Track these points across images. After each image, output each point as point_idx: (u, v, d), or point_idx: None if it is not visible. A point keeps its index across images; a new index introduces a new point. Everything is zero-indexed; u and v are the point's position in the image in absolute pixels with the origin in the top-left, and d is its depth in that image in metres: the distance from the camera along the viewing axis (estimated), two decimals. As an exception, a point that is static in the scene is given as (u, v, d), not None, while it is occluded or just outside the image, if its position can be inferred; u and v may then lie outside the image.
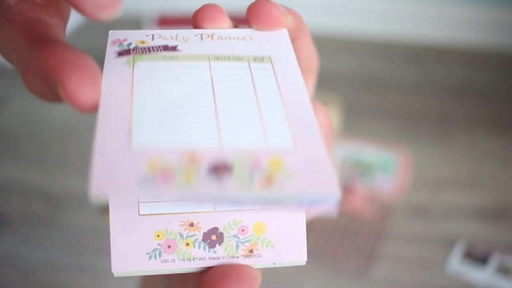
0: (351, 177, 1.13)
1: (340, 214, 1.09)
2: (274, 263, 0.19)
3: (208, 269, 0.19)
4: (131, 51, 0.20)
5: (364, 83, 1.41)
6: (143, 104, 0.18)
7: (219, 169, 0.16)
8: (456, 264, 0.99)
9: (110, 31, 0.21)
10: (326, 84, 1.41)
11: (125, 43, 0.20)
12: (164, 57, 0.20)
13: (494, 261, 0.99)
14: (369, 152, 1.15)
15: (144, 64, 0.20)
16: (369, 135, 1.26)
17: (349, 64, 1.48)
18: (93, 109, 0.17)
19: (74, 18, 1.63)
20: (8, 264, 1.00)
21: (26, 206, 1.10)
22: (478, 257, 1.00)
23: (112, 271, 0.18)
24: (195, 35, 0.21)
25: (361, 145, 1.16)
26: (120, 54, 0.20)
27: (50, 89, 0.17)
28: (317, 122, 0.23)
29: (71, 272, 0.99)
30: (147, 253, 0.18)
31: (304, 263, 0.19)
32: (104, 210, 1.09)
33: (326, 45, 1.55)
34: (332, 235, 1.05)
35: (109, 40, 0.21)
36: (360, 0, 1.56)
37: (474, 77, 1.44)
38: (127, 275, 0.18)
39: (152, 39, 0.21)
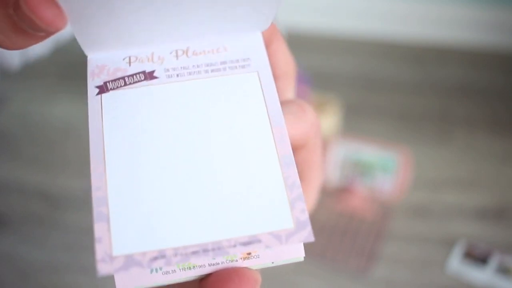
0: (351, 177, 1.13)
1: (340, 214, 1.09)
2: (272, 262, 0.19)
3: (209, 274, 0.19)
4: (109, 85, 0.20)
5: (364, 83, 1.41)
6: (118, 176, 0.19)
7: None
8: (456, 264, 0.99)
9: (89, 58, 0.21)
10: (326, 84, 1.41)
11: (104, 72, 0.21)
12: (141, 94, 0.20)
13: (494, 261, 0.99)
14: (369, 152, 1.15)
15: (119, 110, 0.20)
16: (369, 135, 1.26)
17: (349, 64, 1.48)
18: (61, 24, 0.16)
19: (70, 28, 1.62)
20: (8, 264, 1.00)
21: (26, 206, 1.10)
22: (478, 257, 1.00)
23: None
24: (170, 52, 0.21)
25: (361, 145, 1.16)
26: (100, 92, 0.20)
27: (7, 17, 0.16)
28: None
29: (71, 272, 1.00)
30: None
31: (302, 259, 0.19)
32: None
33: (326, 45, 1.55)
34: (332, 235, 1.05)
35: (88, 70, 0.21)
36: (360, 0, 1.56)
37: (474, 77, 1.44)
38: None
39: (129, 63, 0.21)
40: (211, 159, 0.19)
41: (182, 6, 0.19)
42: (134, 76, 0.21)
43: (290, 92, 0.24)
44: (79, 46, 1.50)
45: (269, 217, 0.18)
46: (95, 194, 0.18)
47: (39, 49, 0.44)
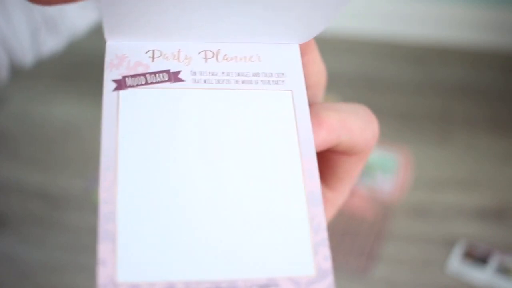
0: (351, 177, 1.13)
1: (340, 214, 1.08)
2: None
3: None
4: (128, 81, 0.19)
5: (365, 83, 1.41)
6: (129, 194, 0.17)
7: None
8: (456, 264, 0.99)
9: (108, 43, 0.19)
10: (326, 84, 1.41)
11: (123, 65, 0.19)
12: (164, 96, 0.19)
13: (494, 261, 0.99)
14: (369, 152, 1.15)
15: (137, 113, 0.18)
16: (369, 135, 1.26)
17: (350, 64, 1.48)
18: None
19: (85, 21, 1.62)
20: (8, 264, 1.00)
21: (26, 206, 1.10)
22: (478, 257, 1.00)
23: None
24: (199, 53, 0.20)
25: (361, 145, 1.16)
26: (117, 87, 0.18)
27: None
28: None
29: (70, 272, 1.00)
30: None
31: None
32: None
33: (326, 45, 1.55)
34: (332, 235, 1.05)
35: (107, 58, 0.19)
36: (360, 0, 1.56)
37: (475, 77, 1.44)
38: None
39: (153, 59, 0.19)
40: (233, 187, 0.18)
41: (221, 2, 0.18)
42: (157, 75, 0.19)
43: (319, 101, 0.23)
44: (80, 46, 1.50)
45: (290, 260, 0.17)
46: (103, 209, 0.16)
47: (53, 44, 0.44)
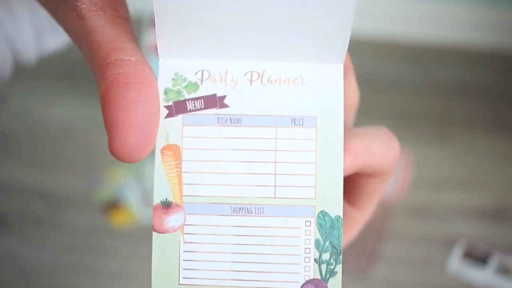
0: (351, 177, 1.13)
1: (340, 214, 1.09)
2: None
3: None
4: (179, 107, 0.20)
5: (364, 83, 1.41)
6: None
7: None
8: (456, 264, 0.99)
9: (161, 60, 0.21)
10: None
11: (176, 87, 0.21)
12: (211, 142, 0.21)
13: (494, 261, 0.99)
14: (369, 152, 1.15)
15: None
16: (369, 135, 1.26)
17: (350, 64, 1.48)
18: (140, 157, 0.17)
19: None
20: (8, 264, 1.00)
21: (26, 206, 1.10)
22: (478, 257, 1.00)
23: None
24: (245, 74, 0.21)
25: (361, 145, 1.16)
26: (169, 114, 0.20)
27: None
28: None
29: (71, 272, 1.00)
30: None
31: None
32: (105, 209, 1.09)
33: (327, 45, 1.55)
34: (332, 235, 1.05)
35: (160, 78, 0.21)
36: (360, 0, 1.56)
37: (475, 77, 1.44)
38: None
39: (201, 80, 0.21)
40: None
41: (268, 24, 0.19)
42: (205, 102, 0.21)
43: (350, 122, 0.24)
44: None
45: (294, 274, 0.20)
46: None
47: (57, 42, 0.44)
